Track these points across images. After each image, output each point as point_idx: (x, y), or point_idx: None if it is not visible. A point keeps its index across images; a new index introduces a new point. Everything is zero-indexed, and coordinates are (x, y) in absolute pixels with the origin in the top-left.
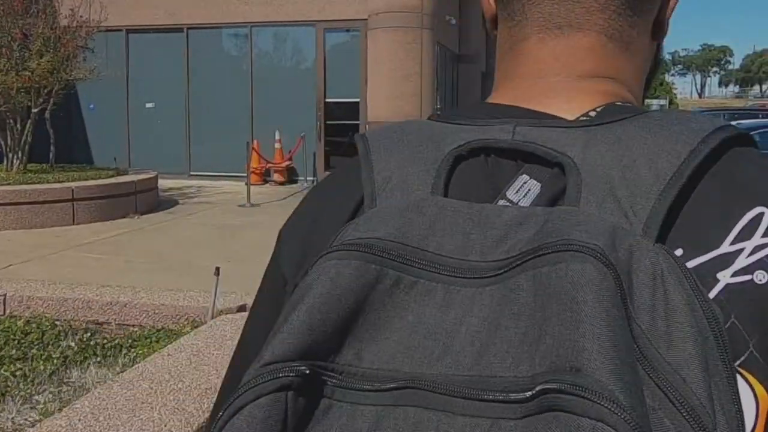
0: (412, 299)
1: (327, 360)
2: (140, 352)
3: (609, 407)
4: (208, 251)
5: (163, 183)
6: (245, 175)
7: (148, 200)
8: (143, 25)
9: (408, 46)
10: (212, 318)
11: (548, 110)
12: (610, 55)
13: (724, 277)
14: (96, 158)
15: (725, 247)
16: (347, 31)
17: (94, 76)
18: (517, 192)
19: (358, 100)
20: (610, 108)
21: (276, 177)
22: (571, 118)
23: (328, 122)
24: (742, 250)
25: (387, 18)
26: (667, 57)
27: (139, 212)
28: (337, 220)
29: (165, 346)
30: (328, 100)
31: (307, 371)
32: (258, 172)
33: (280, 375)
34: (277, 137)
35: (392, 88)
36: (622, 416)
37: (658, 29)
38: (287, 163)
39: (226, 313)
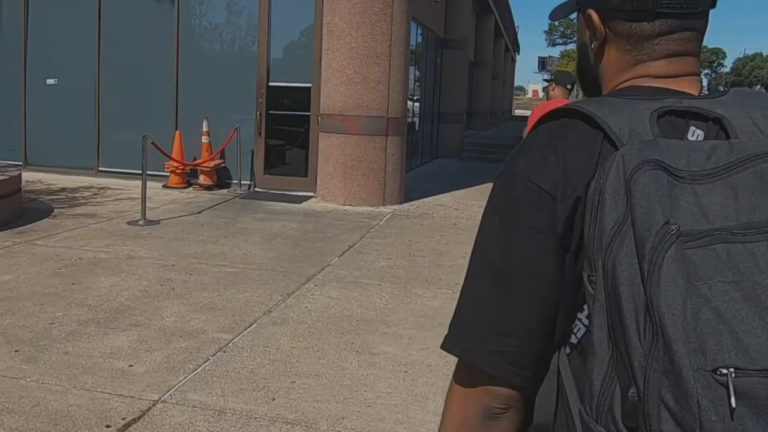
0: (682, 189)
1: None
2: None
3: None
4: None
5: (61, 180)
6: (166, 174)
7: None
8: None
9: (375, 17)
10: None
11: (685, 90)
12: (697, 65)
13: None
14: None
15: None
16: None
17: None
18: (691, 136)
19: (309, 85)
20: (711, 89)
21: (202, 179)
22: (695, 94)
23: (270, 112)
24: None
25: None
26: None
27: None
28: (590, 154)
29: None
30: (272, 84)
31: None
32: (179, 171)
33: None
34: (204, 128)
35: (353, 71)
36: None
37: None
38: (216, 162)
39: None
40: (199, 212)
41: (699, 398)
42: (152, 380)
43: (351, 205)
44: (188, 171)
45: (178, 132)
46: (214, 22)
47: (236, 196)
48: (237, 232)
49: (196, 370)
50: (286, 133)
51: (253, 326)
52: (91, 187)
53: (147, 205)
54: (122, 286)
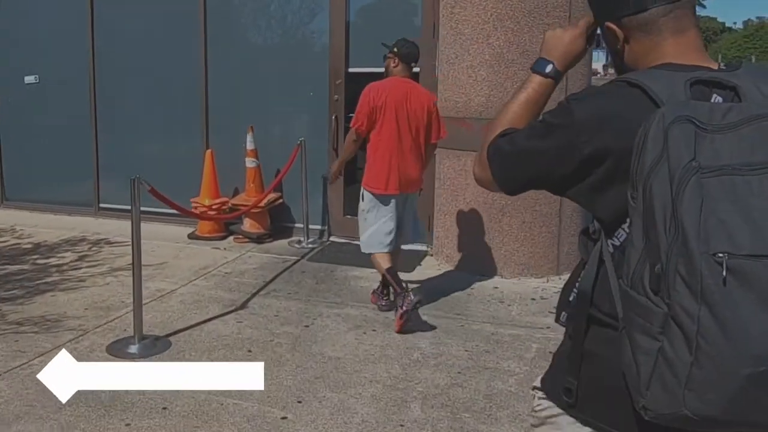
0: (704, 138)
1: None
2: None
3: None
4: None
5: (43, 227)
6: (201, 213)
7: None
8: None
9: None
10: None
11: (705, 65)
12: (700, 37)
13: None
14: None
15: None
16: None
17: None
18: (713, 100)
19: (416, 69)
20: (726, 64)
21: (248, 225)
22: (715, 68)
23: (352, 115)
24: None
25: None
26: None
27: None
28: (639, 114)
29: None
30: (352, 70)
31: None
32: (211, 213)
33: None
34: (248, 145)
35: (503, 40)
36: None
37: None
38: (270, 198)
39: None
40: (243, 304)
41: (702, 270)
42: None
43: (502, 276)
44: (228, 208)
45: (209, 151)
46: None
47: (302, 256)
48: (318, 377)
49: None
50: None
51: None
52: (83, 239)
53: (156, 283)
54: None
